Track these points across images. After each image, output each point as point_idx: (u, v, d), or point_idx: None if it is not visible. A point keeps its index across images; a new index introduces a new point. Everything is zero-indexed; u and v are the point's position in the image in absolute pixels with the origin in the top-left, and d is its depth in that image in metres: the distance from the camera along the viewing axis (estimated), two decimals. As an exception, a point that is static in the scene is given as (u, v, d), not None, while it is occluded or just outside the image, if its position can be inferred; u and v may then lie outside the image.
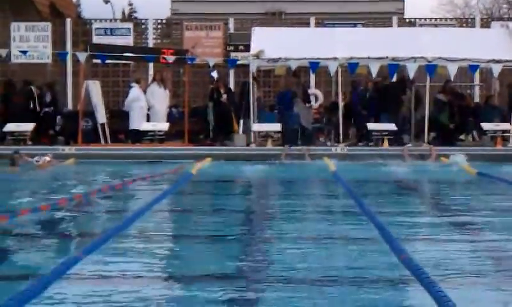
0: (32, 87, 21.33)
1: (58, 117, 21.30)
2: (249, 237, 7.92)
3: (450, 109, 20.59)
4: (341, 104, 20.29)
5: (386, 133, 19.66)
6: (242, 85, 21.62)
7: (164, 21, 26.18)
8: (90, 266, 6.22)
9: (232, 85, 23.54)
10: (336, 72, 20.22)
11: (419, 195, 11.82)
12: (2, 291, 5.55)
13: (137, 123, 20.48)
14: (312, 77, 23.40)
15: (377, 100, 20.55)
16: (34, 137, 20.09)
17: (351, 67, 19.90)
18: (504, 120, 20.11)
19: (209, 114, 21.02)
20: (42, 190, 12.51)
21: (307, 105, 21.33)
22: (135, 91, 20.84)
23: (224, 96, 20.94)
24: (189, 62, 21.05)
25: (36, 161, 16.12)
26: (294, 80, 21.31)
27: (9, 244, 7.64)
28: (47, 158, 16.11)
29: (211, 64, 20.94)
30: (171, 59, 20.42)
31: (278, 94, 21.68)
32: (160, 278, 6.11)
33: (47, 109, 21.15)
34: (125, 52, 21.49)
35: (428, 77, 19.91)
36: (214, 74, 21.24)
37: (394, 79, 20.64)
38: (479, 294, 5.68)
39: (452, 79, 20.69)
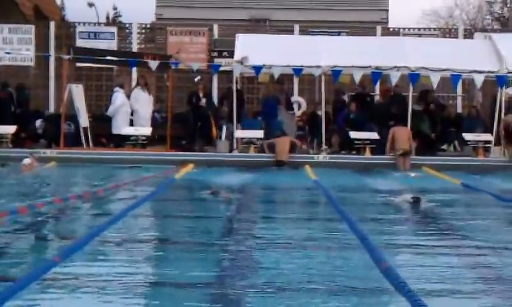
0: (11, 90, 21.22)
1: (39, 120, 21.20)
2: (228, 243, 7.89)
3: (431, 118, 20.63)
4: (323, 112, 20.29)
5: (369, 142, 19.70)
6: (225, 90, 21.60)
7: (148, 26, 26.14)
8: (65, 271, 6.16)
9: (215, 91, 23.55)
10: (320, 80, 20.25)
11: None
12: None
13: (120, 127, 20.42)
14: (296, 84, 23.43)
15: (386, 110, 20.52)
16: (15, 139, 20.00)
17: (334, 75, 19.94)
18: (485, 131, 20.20)
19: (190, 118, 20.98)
20: (21, 192, 12.42)
21: (290, 112, 21.35)
22: (120, 96, 20.77)
23: (203, 100, 20.85)
24: (173, 66, 21.02)
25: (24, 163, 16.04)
26: (278, 87, 21.30)
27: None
28: (28, 161, 15.98)
29: (195, 69, 20.92)
30: (154, 64, 20.33)
31: (262, 100, 21.66)
32: (135, 284, 6.04)
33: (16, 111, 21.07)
34: (108, 56, 21.41)
35: (411, 87, 19.98)
36: (197, 79, 21.23)
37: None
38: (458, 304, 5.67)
39: (435, 89, 20.79)
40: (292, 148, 18.96)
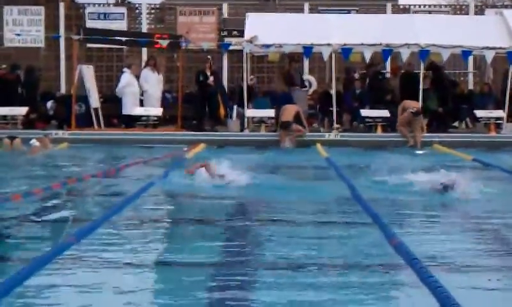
0: (20, 72, 21.26)
1: (51, 101, 21.28)
2: (238, 222, 7.91)
3: (440, 94, 20.49)
4: (334, 90, 20.27)
5: (380, 119, 19.68)
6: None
7: (157, 6, 26.07)
8: (81, 252, 6.21)
9: (225, 71, 23.53)
10: (330, 58, 20.22)
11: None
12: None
13: (130, 108, 20.47)
14: (306, 63, 23.39)
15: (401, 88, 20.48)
16: (25, 121, 20.07)
17: (344, 53, 19.90)
18: (497, 107, 20.13)
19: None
20: (36, 174, 12.48)
21: (303, 89, 21.36)
22: (126, 76, 20.81)
23: (211, 78, 20.79)
24: (183, 45, 21.00)
25: (33, 143, 16.07)
26: (294, 65, 21.38)
27: (1, 228, 7.62)
28: (37, 143, 16.00)
29: (205, 48, 20.89)
30: (165, 42, 20.36)
31: (271, 97, 21.52)
32: (149, 264, 6.08)
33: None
34: (118, 36, 21.40)
35: (422, 64, 19.92)
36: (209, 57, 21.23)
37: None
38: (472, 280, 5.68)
39: (446, 66, 20.71)
40: (298, 118, 18.86)
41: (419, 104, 19.14)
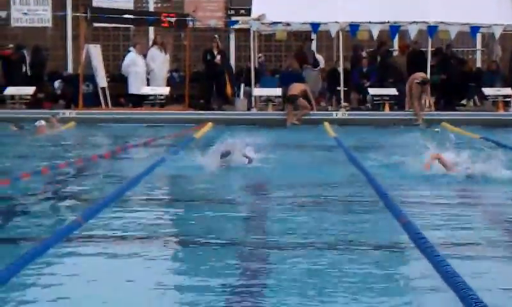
0: (24, 52, 21.24)
1: (58, 81, 21.29)
2: (248, 200, 7.93)
3: (442, 68, 20.36)
4: (342, 68, 20.21)
5: (388, 98, 19.62)
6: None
7: (164, -16, 25.98)
8: (90, 230, 6.24)
9: (232, 49, 23.47)
10: (338, 36, 20.14)
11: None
12: (3, 254, 5.58)
13: (135, 87, 20.47)
14: (314, 41, 23.29)
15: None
16: (33, 101, 20.09)
17: (352, 30, 19.84)
18: (505, 85, 20.04)
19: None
20: (44, 153, 12.52)
21: (315, 70, 21.30)
22: (130, 55, 20.80)
23: (218, 57, 20.70)
24: (190, 24, 20.93)
25: (39, 123, 16.08)
26: (306, 43, 21.34)
27: (11, 207, 7.66)
28: (43, 123, 16.01)
29: (212, 25, 20.82)
30: (172, 19, 20.30)
31: (281, 75, 21.43)
32: (160, 241, 6.10)
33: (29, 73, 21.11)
34: (125, 15, 21.35)
35: (429, 40, 19.81)
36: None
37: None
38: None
39: (454, 43, 20.60)
40: (306, 96, 18.82)
41: (426, 75, 19.01)
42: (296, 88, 18.71)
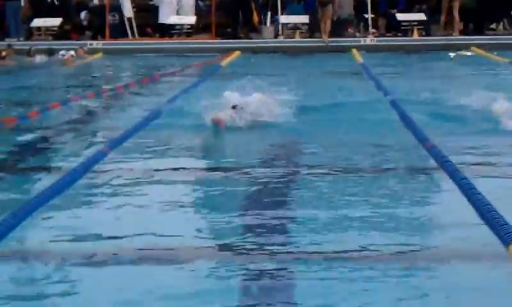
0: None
1: (84, 11, 21.25)
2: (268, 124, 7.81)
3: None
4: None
5: (416, 23, 19.35)
6: None
7: None
8: (114, 162, 6.27)
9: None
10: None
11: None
12: (27, 184, 5.66)
13: (166, 16, 20.34)
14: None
15: None
16: (59, 32, 20.09)
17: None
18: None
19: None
20: (71, 84, 12.59)
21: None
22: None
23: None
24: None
25: (62, 55, 16.12)
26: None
27: (37, 138, 7.73)
28: (72, 53, 16.07)
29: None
30: None
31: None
32: (184, 173, 6.12)
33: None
34: None
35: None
36: None
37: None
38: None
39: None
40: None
41: None
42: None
